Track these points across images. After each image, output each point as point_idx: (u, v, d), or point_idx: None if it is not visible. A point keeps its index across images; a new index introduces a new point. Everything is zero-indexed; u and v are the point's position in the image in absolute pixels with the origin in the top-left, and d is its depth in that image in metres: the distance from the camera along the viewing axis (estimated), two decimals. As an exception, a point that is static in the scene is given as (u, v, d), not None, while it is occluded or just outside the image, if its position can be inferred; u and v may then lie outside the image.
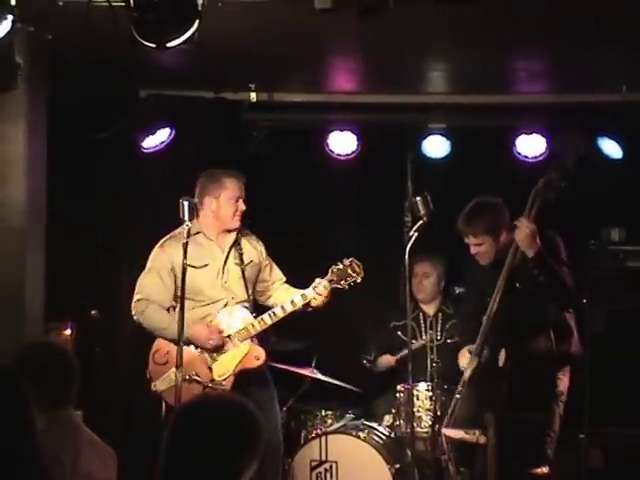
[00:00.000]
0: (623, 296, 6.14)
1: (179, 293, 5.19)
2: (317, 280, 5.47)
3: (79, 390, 3.71)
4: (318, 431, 6.05)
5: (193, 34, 4.51)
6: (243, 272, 5.57)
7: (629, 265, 6.18)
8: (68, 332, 6.32)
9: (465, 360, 5.33)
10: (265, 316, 5.47)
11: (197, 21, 4.50)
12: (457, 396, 5.27)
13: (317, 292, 5.44)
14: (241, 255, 5.60)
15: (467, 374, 5.24)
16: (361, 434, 5.99)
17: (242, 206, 5.53)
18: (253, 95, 6.88)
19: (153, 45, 4.55)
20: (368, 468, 5.90)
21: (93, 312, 6.64)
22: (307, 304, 5.47)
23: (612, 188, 6.74)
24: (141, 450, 5.06)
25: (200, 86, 6.90)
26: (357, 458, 5.92)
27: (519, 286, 5.09)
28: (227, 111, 6.99)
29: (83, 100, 6.58)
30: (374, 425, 6.16)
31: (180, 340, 4.94)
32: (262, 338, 5.55)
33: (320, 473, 5.94)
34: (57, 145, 5.79)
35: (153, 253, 5.59)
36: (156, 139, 6.92)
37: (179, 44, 4.53)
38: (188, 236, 5.02)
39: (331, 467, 5.92)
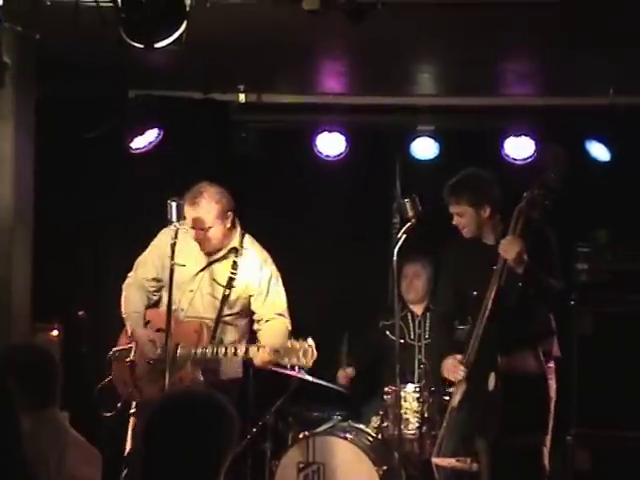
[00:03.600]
0: (610, 298, 6.16)
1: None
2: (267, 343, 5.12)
3: (65, 391, 3.70)
4: (305, 433, 6.02)
5: (181, 35, 4.51)
6: (217, 290, 5.27)
7: (616, 267, 6.20)
8: (55, 333, 6.32)
9: (455, 374, 5.11)
10: (208, 348, 5.15)
11: (185, 22, 4.50)
12: (444, 424, 5.15)
13: (260, 356, 5.09)
14: (224, 273, 5.28)
15: (456, 400, 5.08)
16: (348, 436, 5.98)
17: (194, 234, 5.23)
18: (242, 96, 6.88)
19: (141, 46, 4.55)
20: (355, 470, 5.89)
21: (80, 312, 6.63)
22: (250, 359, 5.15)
23: (600, 190, 6.77)
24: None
25: (189, 87, 6.90)
26: (344, 460, 5.91)
27: (508, 304, 4.93)
28: (216, 112, 6.99)
29: (71, 100, 6.58)
30: (361, 427, 6.14)
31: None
32: None
33: (307, 475, 5.91)
34: (45, 145, 5.77)
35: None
36: (144, 139, 6.90)
37: (167, 45, 4.53)
38: (176, 237, 4.98)
39: (318, 469, 5.90)
